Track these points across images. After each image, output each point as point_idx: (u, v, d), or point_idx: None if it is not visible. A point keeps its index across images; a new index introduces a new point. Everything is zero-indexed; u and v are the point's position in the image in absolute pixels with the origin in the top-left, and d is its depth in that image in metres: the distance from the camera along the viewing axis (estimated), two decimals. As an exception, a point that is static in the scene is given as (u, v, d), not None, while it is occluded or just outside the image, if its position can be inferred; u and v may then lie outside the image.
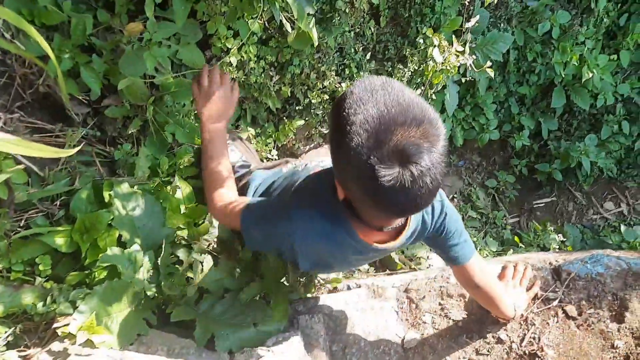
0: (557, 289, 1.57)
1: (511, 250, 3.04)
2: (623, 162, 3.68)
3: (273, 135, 2.30)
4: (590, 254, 1.63)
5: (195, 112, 1.68)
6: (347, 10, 1.98)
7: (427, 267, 2.77)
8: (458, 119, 3.09)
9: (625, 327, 1.47)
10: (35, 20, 1.36)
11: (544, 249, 3.18)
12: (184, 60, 1.65)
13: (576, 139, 3.41)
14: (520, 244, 3.13)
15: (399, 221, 1.16)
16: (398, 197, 0.90)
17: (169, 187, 1.56)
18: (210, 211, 1.41)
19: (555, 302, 1.54)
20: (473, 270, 1.38)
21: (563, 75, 2.98)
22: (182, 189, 1.55)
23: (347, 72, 2.32)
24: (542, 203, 3.63)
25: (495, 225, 3.34)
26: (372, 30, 2.33)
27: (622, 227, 3.32)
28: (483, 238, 3.12)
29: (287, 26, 1.60)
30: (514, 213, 3.56)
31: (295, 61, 2.08)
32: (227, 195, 1.38)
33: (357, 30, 2.24)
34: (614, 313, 1.50)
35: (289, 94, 2.16)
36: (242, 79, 1.96)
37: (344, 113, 0.93)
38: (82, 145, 1.53)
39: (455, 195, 3.34)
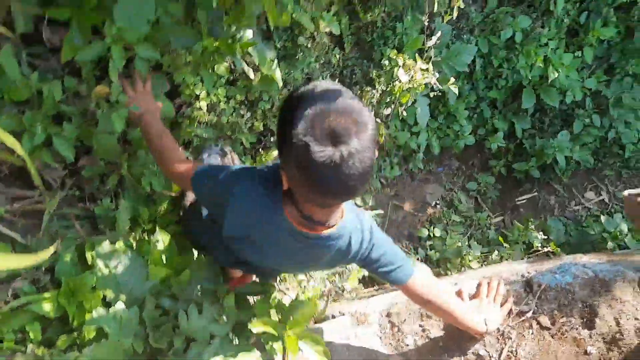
0: (530, 301, 1.64)
1: (496, 252, 3.12)
2: (599, 152, 3.76)
3: (251, 167, 2.36)
4: (559, 264, 1.70)
5: None
6: (309, 45, 2.05)
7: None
8: (432, 128, 3.16)
9: (596, 333, 1.54)
10: (5, 97, 1.42)
11: (529, 245, 3.26)
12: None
13: (550, 135, 3.50)
14: (505, 244, 3.20)
15: (330, 220, 1.24)
16: (328, 174, 1.03)
17: (150, 238, 1.62)
18: (165, 171, 1.54)
19: (529, 314, 1.61)
20: (414, 288, 1.44)
21: (530, 78, 3.06)
22: (163, 240, 1.60)
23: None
24: (524, 199, 3.70)
25: (480, 226, 3.42)
26: (338, 57, 2.39)
27: (602, 218, 3.40)
28: (467, 243, 3.19)
29: (250, 73, 1.66)
30: (498, 212, 3.63)
31: (265, 97, 2.14)
32: (180, 156, 1.51)
33: (323, 60, 2.31)
34: (584, 320, 1.58)
35: (262, 128, 2.23)
36: (214, 121, 2.02)
37: (289, 104, 1.11)
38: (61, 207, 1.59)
39: (437, 202, 3.41)
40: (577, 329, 1.57)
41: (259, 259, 1.49)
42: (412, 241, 3.23)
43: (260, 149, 2.37)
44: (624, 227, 3.30)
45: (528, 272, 1.73)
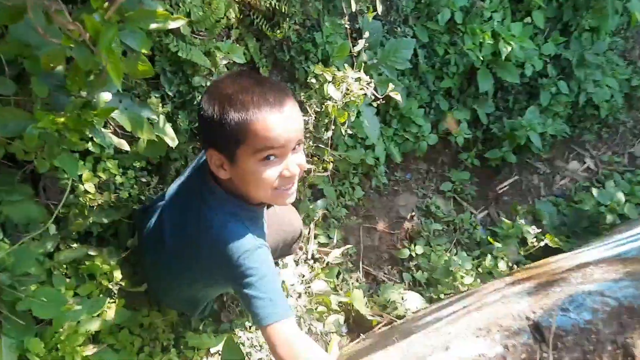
0: (545, 354, 1.26)
1: (488, 256, 2.76)
2: (573, 119, 3.46)
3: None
4: (570, 295, 1.33)
5: None
6: (208, 84, 1.66)
7: (406, 312, 2.46)
8: (388, 136, 2.80)
9: (639, 381, 1.17)
10: None
11: (523, 240, 2.91)
12: (16, 220, 1.31)
13: (518, 113, 3.17)
14: (497, 243, 2.85)
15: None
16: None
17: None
18: None
19: (548, 372, 1.24)
20: (274, 338, 1.21)
21: (482, 57, 2.72)
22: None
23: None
24: (506, 186, 3.37)
25: (465, 229, 3.05)
26: (256, 85, 2.01)
27: (594, 191, 3.07)
28: (455, 253, 2.82)
29: (123, 145, 1.27)
30: (481, 207, 3.28)
31: (174, 155, 1.75)
32: None
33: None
34: (619, 365, 1.21)
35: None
36: (111, 202, 1.61)
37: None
38: None
39: (413, 213, 3.03)
40: (612, 379, 1.20)
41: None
42: (395, 265, 2.85)
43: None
44: (621, 197, 2.97)
45: (533, 312, 1.35)
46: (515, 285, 1.68)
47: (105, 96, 1.17)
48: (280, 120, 1.20)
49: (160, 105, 1.56)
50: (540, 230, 2.86)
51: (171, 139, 1.39)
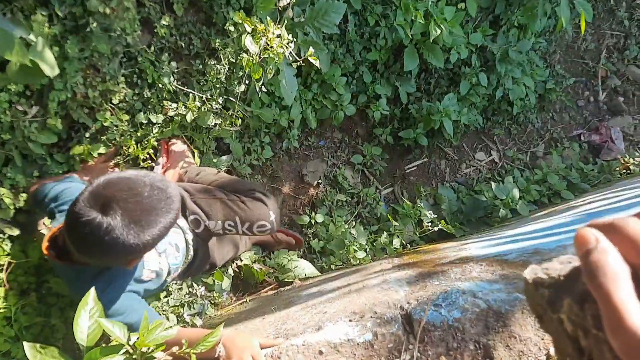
0: (411, 346, 1.27)
1: (385, 234, 2.80)
2: (488, 111, 3.55)
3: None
4: (444, 292, 1.34)
5: None
6: (106, 11, 1.47)
7: (297, 278, 2.45)
8: (306, 100, 2.71)
9: (492, 382, 1.21)
10: None
11: (420, 222, 2.98)
12: None
13: (437, 98, 3.19)
14: (395, 221, 2.89)
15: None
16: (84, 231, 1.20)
17: None
18: None
19: (411, 363, 1.25)
20: None
21: (411, 36, 2.68)
22: None
23: (144, 76, 1.83)
24: (414, 167, 3.42)
25: (367, 203, 3.07)
26: (169, 22, 1.84)
27: (493, 185, 3.19)
28: (353, 225, 2.84)
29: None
30: (387, 183, 3.31)
31: (58, 85, 1.56)
32: None
33: (142, 29, 1.75)
34: (477, 365, 1.24)
35: (62, 125, 1.65)
36: (-24, 126, 1.42)
37: None
38: None
39: (320, 180, 3.01)
40: (468, 377, 1.23)
41: None
42: (294, 228, 2.82)
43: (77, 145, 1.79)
44: (516, 193, 3.11)
45: (408, 303, 1.36)
46: (399, 270, 1.69)
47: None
48: None
49: (47, 25, 1.37)
50: (437, 215, 2.94)
51: (49, 67, 1.22)
